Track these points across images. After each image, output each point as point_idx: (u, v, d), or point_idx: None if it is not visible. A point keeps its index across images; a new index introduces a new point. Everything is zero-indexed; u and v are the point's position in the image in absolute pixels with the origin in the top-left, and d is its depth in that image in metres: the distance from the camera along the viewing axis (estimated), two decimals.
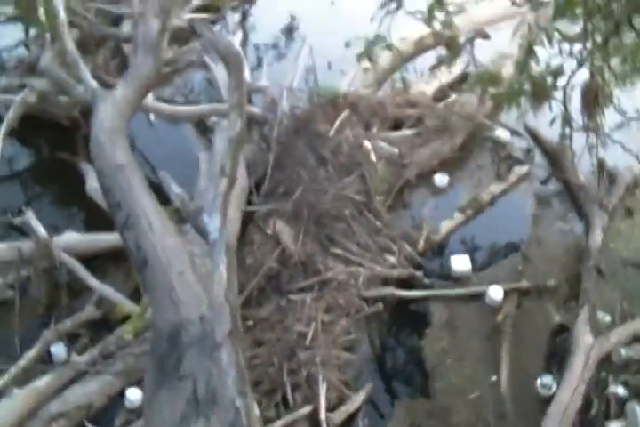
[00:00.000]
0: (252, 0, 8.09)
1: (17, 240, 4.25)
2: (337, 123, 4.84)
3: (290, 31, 7.54)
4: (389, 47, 4.31)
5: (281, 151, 4.70)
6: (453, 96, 5.26)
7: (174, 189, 3.08)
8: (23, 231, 4.56)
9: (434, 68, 4.77)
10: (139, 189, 2.77)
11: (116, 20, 6.86)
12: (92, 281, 4.09)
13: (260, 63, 7.09)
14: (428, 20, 3.95)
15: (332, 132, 4.78)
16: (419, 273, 3.92)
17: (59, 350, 3.85)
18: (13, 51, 6.52)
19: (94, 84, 4.34)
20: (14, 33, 6.53)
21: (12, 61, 6.39)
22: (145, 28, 5.15)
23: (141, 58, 4.74)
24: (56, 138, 5.51)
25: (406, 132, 5.03)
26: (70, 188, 5.15)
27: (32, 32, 6.08)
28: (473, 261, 4.00)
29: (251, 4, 8.12)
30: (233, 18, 7.25)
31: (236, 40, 6.78)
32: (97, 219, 4.14)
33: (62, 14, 5.02)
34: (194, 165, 4.91)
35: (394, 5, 4.20)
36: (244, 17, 7.94)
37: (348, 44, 4.42)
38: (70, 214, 5.01)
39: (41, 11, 5.45)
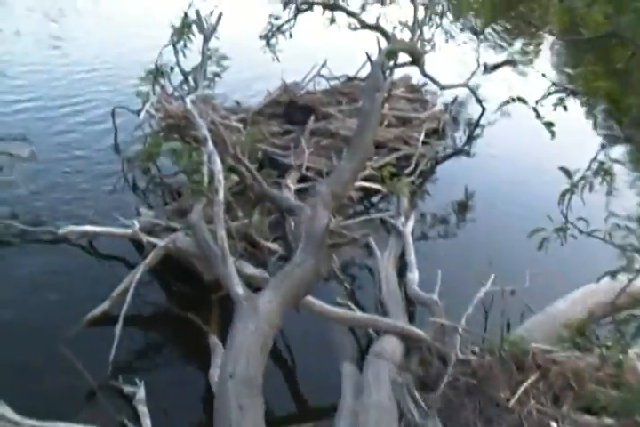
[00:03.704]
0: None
1: None
2: (520, 390, 3.99)
3: (463, 207, 7.21)
4: None
5: (444, 410, 3.89)
6: None
7: None
8: None
9: None
10: None
11: (283, 172, 6.91)
12: None
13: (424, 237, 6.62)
14: None
15: (512, 402, 3.92)
16: None
17: None
18: (173, 178, 6.51)
19: (239, 290, 3.87)
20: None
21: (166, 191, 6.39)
22: (313, 219, 4.76)
23: (301, 256, 4.26)
24: (190, 292, 5.09)
25: (606, 420, 4.01)
26: (191, 357, 4.70)
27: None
28: None
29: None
30: (405, 201, 7.04)
31: (409, 227, 6.43)
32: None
33: (221, 194, 4.62)
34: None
35: None
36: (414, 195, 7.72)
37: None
38: (186, 395, 4.44)
39: (204, 172, 5.18)
